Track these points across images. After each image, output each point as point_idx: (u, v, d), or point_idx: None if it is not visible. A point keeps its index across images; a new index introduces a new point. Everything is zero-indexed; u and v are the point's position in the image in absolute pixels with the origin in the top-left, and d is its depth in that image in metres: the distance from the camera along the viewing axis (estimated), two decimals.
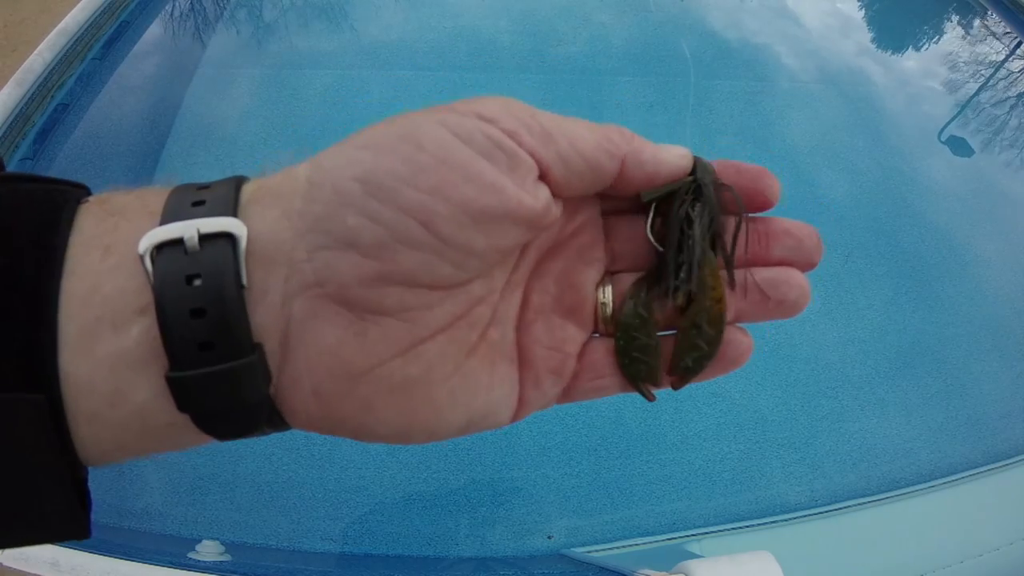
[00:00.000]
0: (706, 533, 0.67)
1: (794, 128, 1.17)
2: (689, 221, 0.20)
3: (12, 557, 0.54)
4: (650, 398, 0.21)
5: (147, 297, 0.15)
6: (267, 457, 0.70)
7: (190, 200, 0.16)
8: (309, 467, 0.70)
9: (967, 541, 0.64)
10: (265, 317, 0.16)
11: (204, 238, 0.15)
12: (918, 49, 1.46)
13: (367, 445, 0.73)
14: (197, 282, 0.15)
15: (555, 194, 0.18)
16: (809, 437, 0.78)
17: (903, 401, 0.83)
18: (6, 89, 0.97)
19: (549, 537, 0.68)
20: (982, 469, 0.72)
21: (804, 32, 1.40)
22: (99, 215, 0.16)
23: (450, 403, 0.18)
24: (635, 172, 0.19)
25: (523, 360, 0.20)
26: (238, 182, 0.17)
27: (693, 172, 0.20)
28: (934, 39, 1.50)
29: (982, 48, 1.44)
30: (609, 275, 0.21)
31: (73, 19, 1.08)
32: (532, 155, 0.17)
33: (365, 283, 0.16)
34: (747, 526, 0.67)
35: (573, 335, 0.21)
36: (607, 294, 0.21)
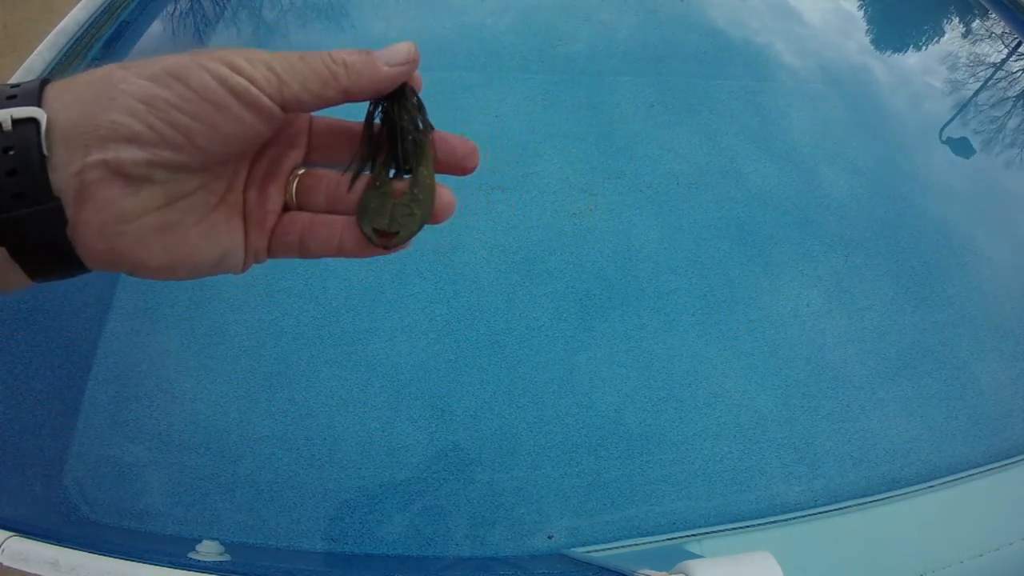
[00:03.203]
0: (706, 533, 0.67)
1: (795, 127, 1.17)
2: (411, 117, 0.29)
3: (12, 557, 0.54)
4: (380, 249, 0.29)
5: None
6: (267, 457, 0.70)
7: (5, 95, 0.23)
8: (309, 467, 0.70)
9: (967, 541, 0.64)
10: (65, 181, 0.23)
11: (16, 122, 0.22)
12: (918, 48, 1.45)
13: (367, 445, 0.73)
14: (11, 151, 0.22)
15: (286, 111, 0.26)
16: (809, 437, 0.78)
17: (903, 401, 0.83)
18: None
19: (549, 537, 0.68)
20: (982, 469, 0.72)
21: (805, 31, 1.40)
22: None
23: (203, 243, 0.27)
24: (360, 95, 0.27)
25: (245, 215, 0.29)
26: (43, 83, 0.24)
27: (403, 93, 0.29)
28: (934, 39, 1.50)
29: (982, 48, 1.44)
30: (306, 162, 0.31)
31: (73, 19, 1.08)
32: (271, 98, 0.25)
33: (139, 166, 0.24)
34: (747, 526, 0.67)
35: (274, 198, 0.30)
36: (294, 182, 0.30)
